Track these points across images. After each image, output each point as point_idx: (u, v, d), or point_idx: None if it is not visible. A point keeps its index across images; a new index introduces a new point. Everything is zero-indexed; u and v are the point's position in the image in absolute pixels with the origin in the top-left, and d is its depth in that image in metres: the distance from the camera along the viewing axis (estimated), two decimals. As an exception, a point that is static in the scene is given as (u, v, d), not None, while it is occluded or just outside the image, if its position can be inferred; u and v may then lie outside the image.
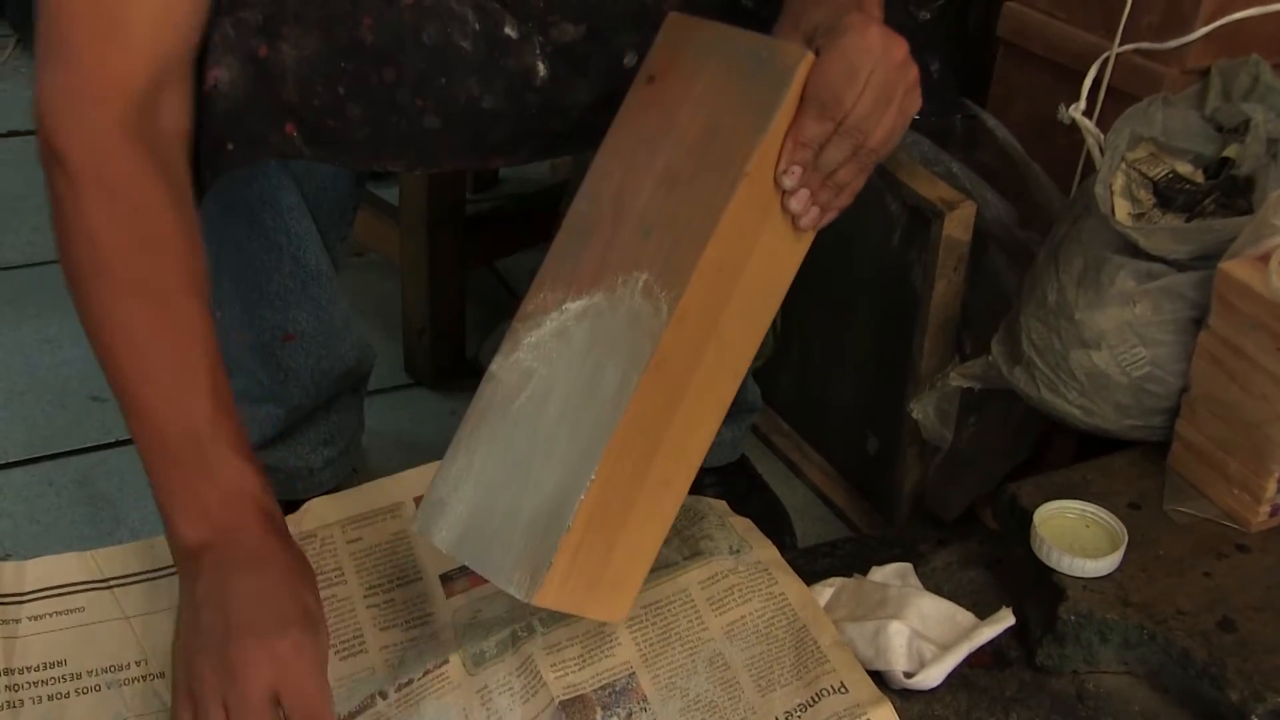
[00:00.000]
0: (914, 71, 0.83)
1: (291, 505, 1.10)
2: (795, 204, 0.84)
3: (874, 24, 0.82)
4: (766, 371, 1.50)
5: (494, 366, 0.85)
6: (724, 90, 0.82)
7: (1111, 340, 1.03)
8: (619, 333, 0.81)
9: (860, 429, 1.42)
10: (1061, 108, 1.18)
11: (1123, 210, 1.07)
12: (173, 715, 0.80)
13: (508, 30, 0.93)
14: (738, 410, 1.35)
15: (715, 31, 0.85)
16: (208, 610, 0.79)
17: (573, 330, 0.83)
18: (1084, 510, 0.99)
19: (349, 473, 1.31)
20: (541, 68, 0.95)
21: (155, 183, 0.84)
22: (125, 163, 0.83)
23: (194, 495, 0.82)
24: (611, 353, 0.80)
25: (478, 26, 0.92)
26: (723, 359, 0.86)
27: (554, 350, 0.83)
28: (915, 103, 0.85)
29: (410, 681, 0.89)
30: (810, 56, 0.81)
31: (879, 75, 0.81)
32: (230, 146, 0.88)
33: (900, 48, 0.82)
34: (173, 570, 0.94)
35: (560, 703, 0.87)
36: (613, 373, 0.80)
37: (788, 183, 0.83)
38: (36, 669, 0.89)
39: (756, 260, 0.84)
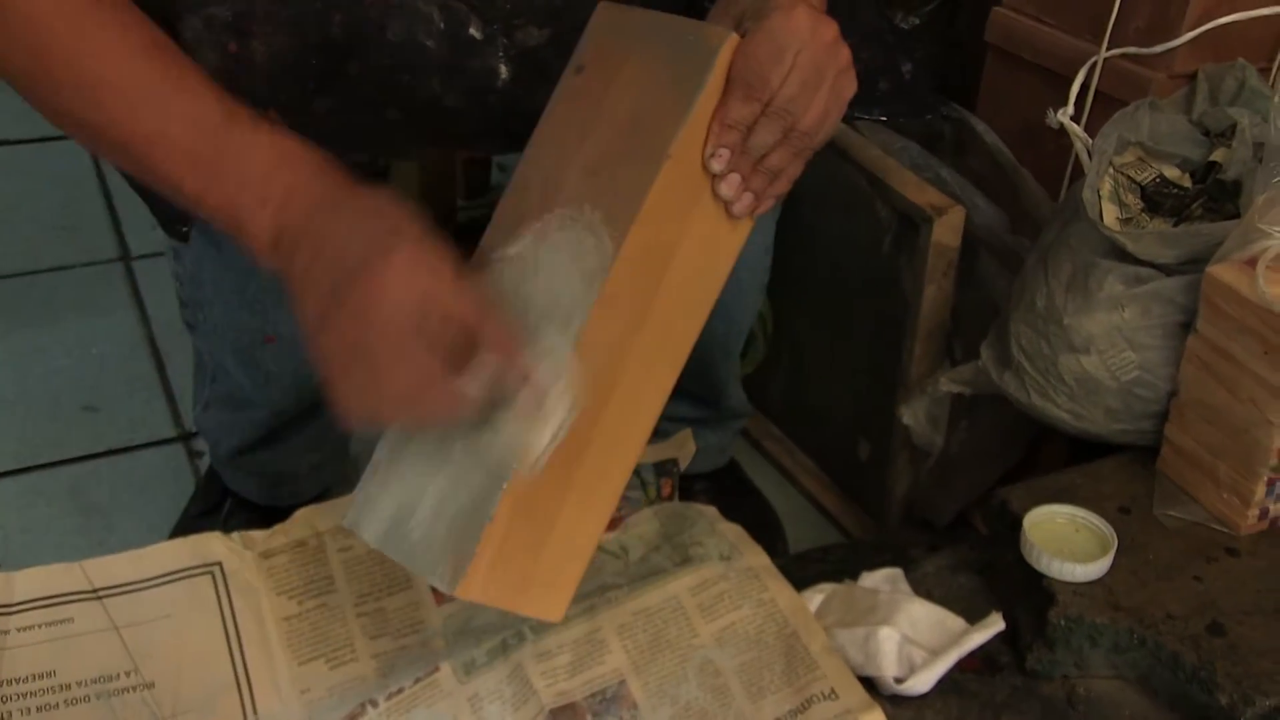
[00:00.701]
0: (845, 53, 0.82)
1: (279, 511, 1.10)
2: (726, 189, 0.82)
3: (801, 4, 0.80)
4: (757, 377, 1.50)
5: None
6: (649, 75, 0.81)
7: (1100, 345, 1.03)
8: (547, 320, 0.79)
9: (851, 434, 1.42)
10: (1050, 112, 1.18)
11: (1111, 215, 1.07)
12: (335, 403, 0.75)
13: (472, 31, 0.93)
14: (725, 416, 1.36)
15: (644, 18, 0.84)
16: (317, 277, 0.74)
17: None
18: (1074, 515, 0.99)
19: (336, 479, 1.31)
20: (504, 70, 0.95)
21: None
22: None
23: (241, 184, 0.77)
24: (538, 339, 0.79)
25: (442, 26, 0.92)
26: (658, 347, 0.84)
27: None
28: (850, 85, 0.83)
29: (401, 690, 0.88)
30: (734, 37, 0.80)
31: (807, 55, 0.79)
32: None
33: (829, 28, 0.81)
34: (162, 580, 0.95)
35: (551, 710, 0.87)
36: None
37: (715, 166, 0.81)
38: (25, 680, 0.88)
39: (688, 246, 0.82)
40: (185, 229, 0.94)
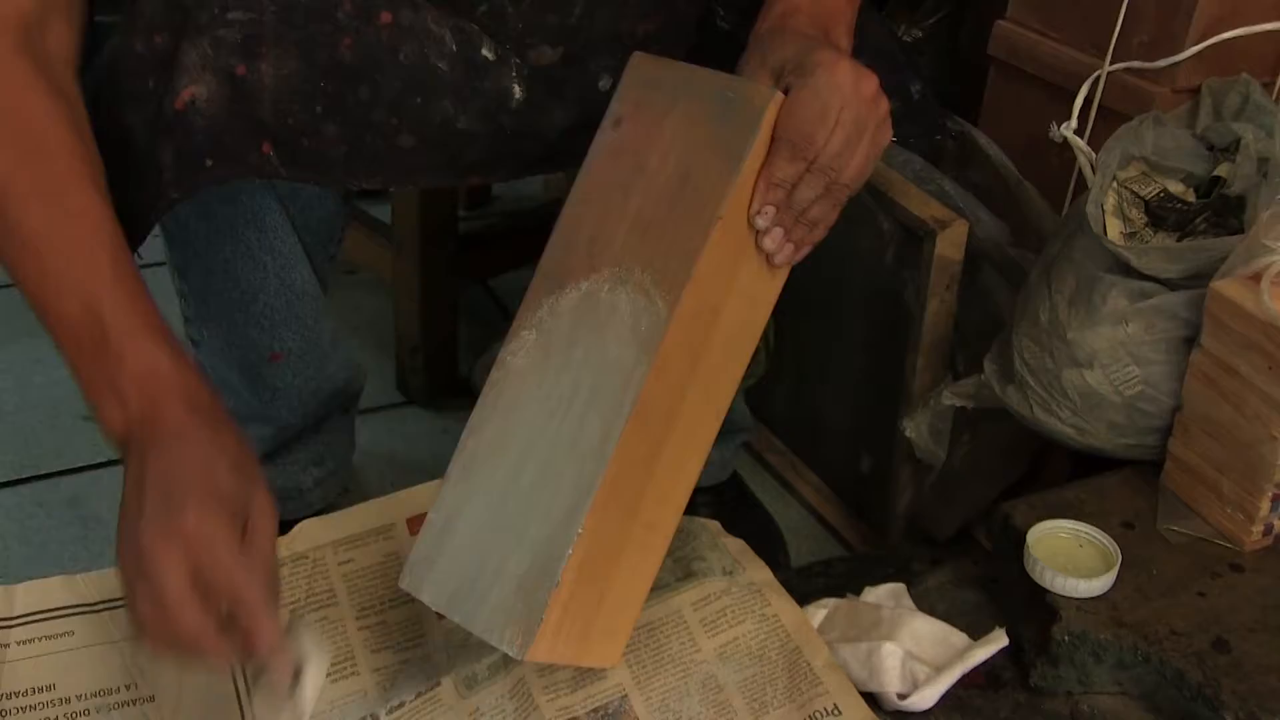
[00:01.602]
0: (885, 105, 0.83)
1: (282, 526, 1.10)
2: (769, 243, 0.84)
3: (844, 59, 0.82)
4: (760, 390, 1.49)
5: (475, 418, 0.84)
6: (693, 133, 0.82)
7: (1104, 359, 1.03)
8: (600, 383, 0.80)
9: (854, 447, 1.42)
10: (1053, 126, 1.18)
11: (1114, 229, 1.07)
12: (131, 621, 0.78)
13: (485, 52, 0.93)
14: (727, 430, 1.35)
15: (681, 72, 0.84)
16: (130, 498, 0.78)
17: (554, 380, 0.82)
18: (1077, 530, 0.99)
19: (340, 492, 1.31)
20: (518, 90, 0.95)
21: (42, 93, 0.83)
22: (5, 75, 0.82)
23: (107, 383, 0.80)
24: (593, 403, 0.80)
25: (455, 48, 0.92)
26: (704, 402, 0.85)
27: (536, 402, 0.82)
28: (886, 136, 0.84)
29: (402, 704, 0.88)
30: (779, 96, 0.81)
31: (850, 112, 0.81)
32: (209, 163, 0.88)
33: (871, 83, 0.82)
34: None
35: (552, 726, 0.87)
36: (594, 424, 0.79)
37: (761, 223, 0.82)
38: (25, 694, 0.88)
39: (733, 301, 0.84)
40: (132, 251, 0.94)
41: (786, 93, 0.81)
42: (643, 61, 0.86)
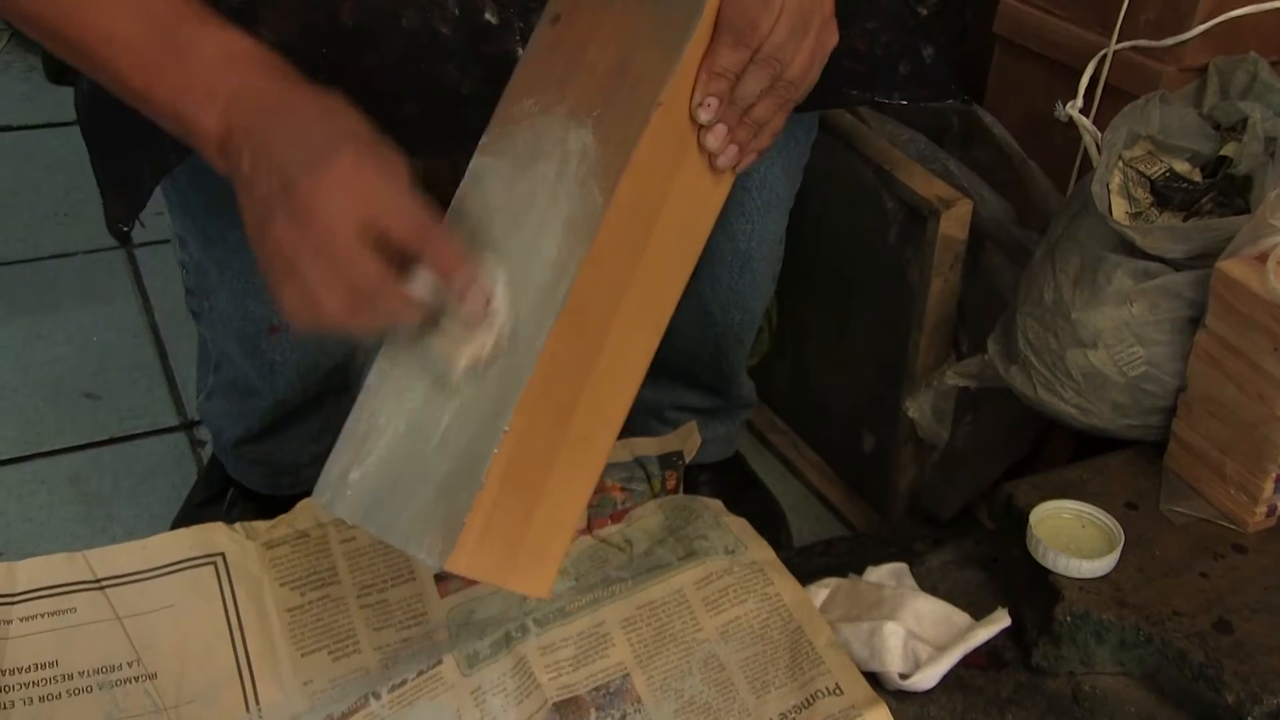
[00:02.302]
0: (829, 2, 0.81)
1: (280, 501, 1.10)
2: (712, 140, 0.80)
3: None
4: (762, 369, 1.49)
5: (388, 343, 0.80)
6: (633, 23, 0.78)
7: (1108, 339, 1.03)
8: (533, 276, 0.77)
9: (856, 427, 1.42)
10: (1059, 105, 1.18)
11: (1120, 209, 1.06)
12: (279, 305, 0.73)
13: (488, 16, 0.92)
14: (732, 406, 1.35)
15: None
16: (261, 180, 0.72)
17: (484, 273, 0.78)
18: (1080, 510, 0.99)
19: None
20: (521, 53, 0.94)
21: None
22: None
23: (188, 82, 0.75)
24: (524, 297, 0.76)
25: (457, 12, 0.91)
26: (642, 307, 0.82)
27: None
28: (832, 35, 0.82)
29: (404, 682, 0.88)
30: None
31: (794, 1, 0.78)
32: None
33: None
34: (165, 570, 0.95)
35: (554, 704, 0.87)
36: (525, 318, 0.75)
37: (704, 116, 0.79)
38: (27, 670, 0.88)
39: (674, 202, 0.80)
40: (126, 229, 0.93)
41: None
42: None
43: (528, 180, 0.79)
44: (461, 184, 0.82)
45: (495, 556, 0.76)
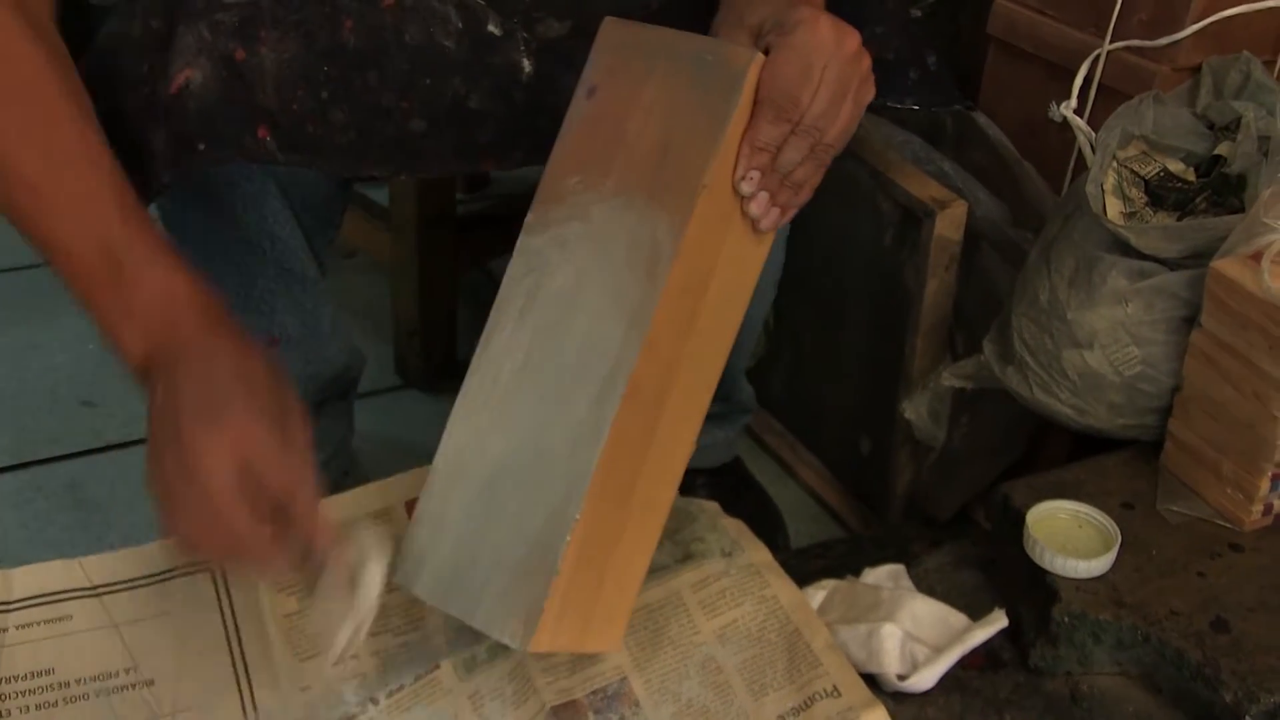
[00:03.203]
0: (867, 61, 0.82)
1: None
2: (755, 208, 0.82)
3: (824, 15, 0.80)
4: (758, 371, 1.49)
5: (460, 404, 0.82)
6: (672, 99, 0.79)
7: (1104, 340, 1.03)
8: (591, 363, 0.79)
9: (853, 429, 1.42)
10: (1052, 106, 1.18)
11: (1114, 209, 1.07)
12: (162, 528, 0.78)
13: (491, 28, 0.92)
14: (732, 411, 1.35)
15: (655, 35, 0.81)
16: (163, 414, 0.77)
17: (542, 363, 0.81)
18: (1077, 510, 0.99)
19: (340, 476, 1.31)
20: (527, 64, 0.94)
21: (24, 37, 0.82)
22: None
23: (124, 311, 0.80)
24: (584, 385, 0.78)
25: (461, 25, 0.91)
26: (695, 375, 0.84)
27: (522, 387, 0.81)
28: (869, 93, 0.83)
29: (401, 687, 0.88)
30: (760, 57, 0.78)
31: (833, 70, 0.79)
32: (201, 146, 0.87)
33: (853, 39, 0.80)
34: (162, 576, 0.95)
35: (552, 708, 0.87)
36: (586, 406, 0.77)
37: (746, 189, 0.80)
38: (24, 678, 0.88)
39: (721, 270, 0.82)
40: None
41: (766, 53, 0.79)
42: (615, 26, 0.83)
43: (577, 265, 0.80)
44: (511, 264, 0.83)
45: (572, 630, 0.80)
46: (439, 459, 0.82)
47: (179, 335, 0.79)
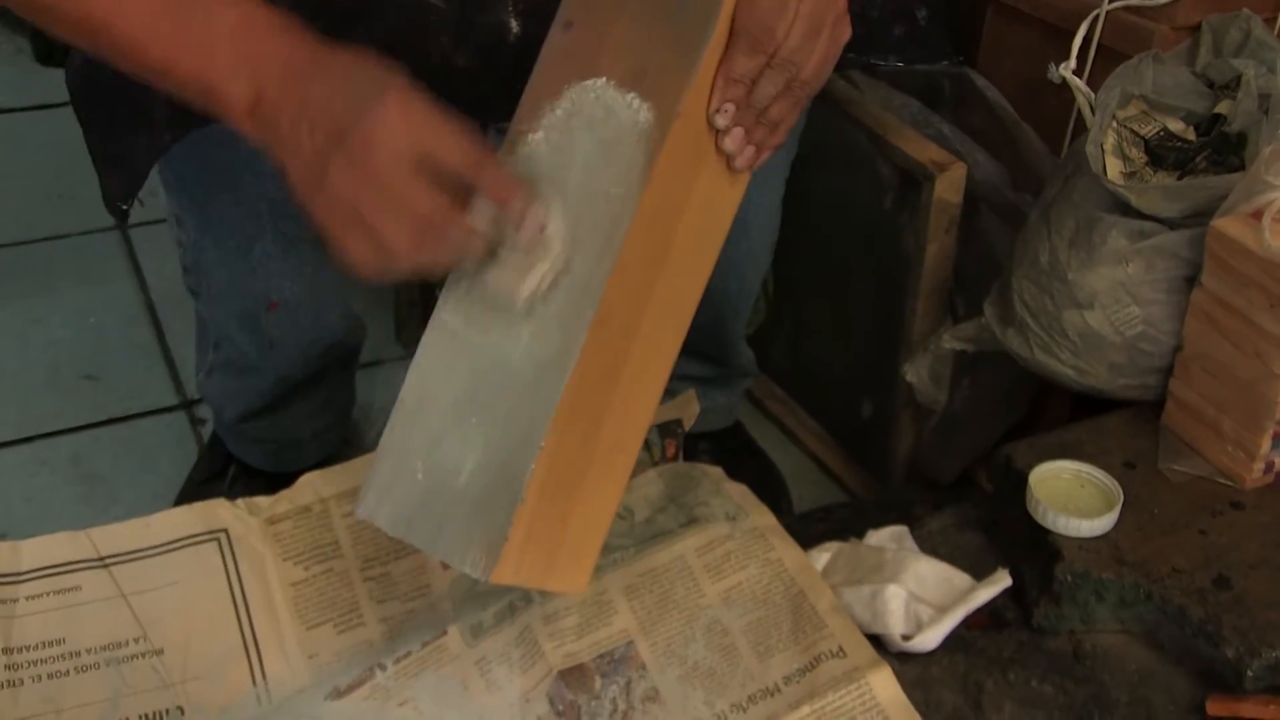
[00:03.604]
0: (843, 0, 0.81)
1: (281, 477, 1.10)
2: (730, 144, 0.81)
3: None
4: (759, 337, 1.50)
5: (428, 335, 0.81)
6: (647, 31, 0.78)
7: (1104, 300, 1.03)
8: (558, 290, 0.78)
9: (854, 393, 1.42)
10: (1051, 67, 1.17)
11: (1114, 169, 1.06)
12: (339, 255, 0.74)
13: None
14: (731, 375, 1.36)
15: None
16: (306, 137, 0.73)
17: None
18: (1079, 470, 0.99)
19: (339, 445, 1.31)
20: (514, 24, 0.93)
21: None
22: None
23: (212, 57, 0.75)
24: (550, 311, 0.77)
25: None
26: (666, 312, 0.83)
27: (489, 315, 0.79)
28: (845, 31, 0.82)
29: (409, 653, 0.89)
30: None
31: (809, 3, 0.78)
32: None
33: None
34: (168, 547, 0.95)
35: (559, 672, 0.87)
36: (553, 332, 0.76)
37: (721, 122, 0.79)
38: (35, 648, 0.89)
39: (693, 206, 0.81)
40: (125, 207, 0.93)
41: None
42: None
43: (550, 193, 0.79)
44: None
45: (536, 564, 0.78)
46: (404, 391, 0.80)
47: (281, 58, 0.75)
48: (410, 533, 0.78)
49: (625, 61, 0.79)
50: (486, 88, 0.94)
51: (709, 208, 0.83)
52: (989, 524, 1.04)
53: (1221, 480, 1.01)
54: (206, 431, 1.47)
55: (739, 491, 1.01)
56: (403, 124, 0.72)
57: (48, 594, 0.91)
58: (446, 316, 0.80)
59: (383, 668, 0.88)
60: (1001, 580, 0.94)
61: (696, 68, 0.77)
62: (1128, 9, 1.16)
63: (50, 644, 0.89)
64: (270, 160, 0.76)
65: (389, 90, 0.73)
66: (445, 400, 0.79)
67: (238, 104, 0.76)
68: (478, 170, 0.74)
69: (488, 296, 0.78)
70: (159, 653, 0.90)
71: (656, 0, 0.79)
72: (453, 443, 0.78)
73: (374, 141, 0.71)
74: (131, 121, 0.88)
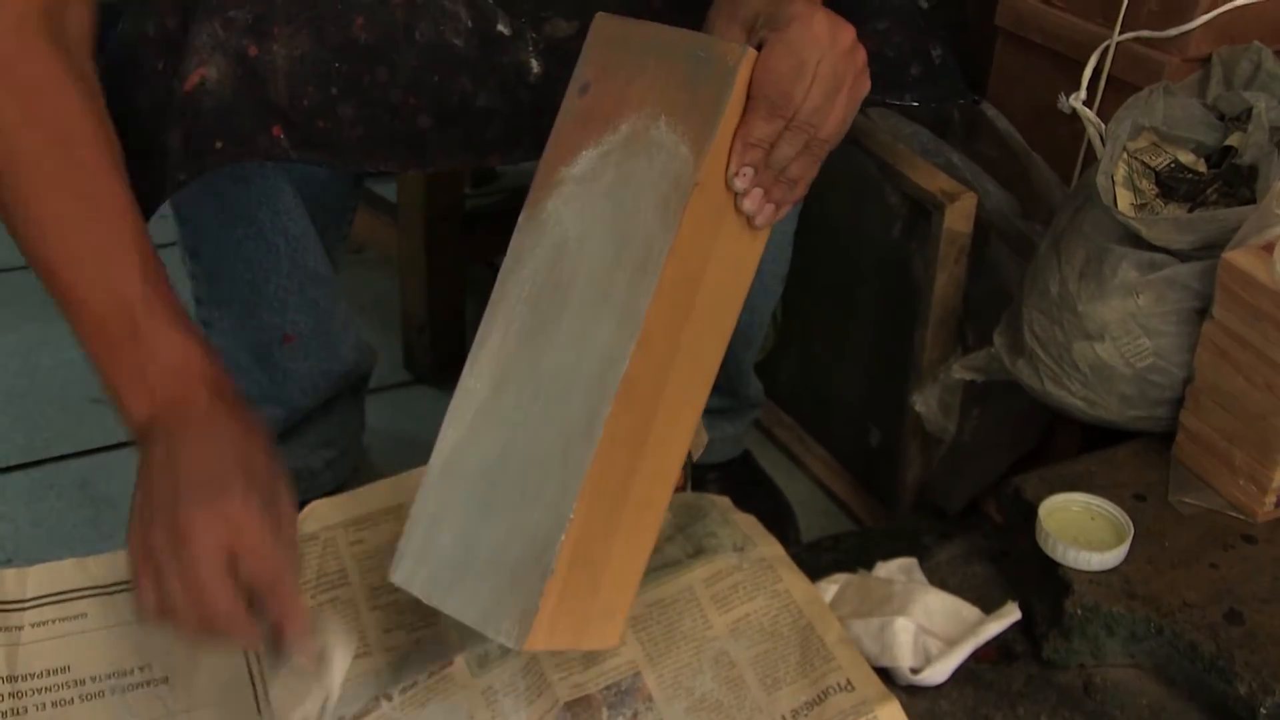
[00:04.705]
0: (862, 55, 0.81)
1: (293, 507, 1.10)
2: (749, 204, 0.81)
3: (818, 10, 0.79)
4: (768, 364, 1.49)
5: (455, 403, 0.82)
6: (664, 96, 0.78)
7: (1115, 331, 1.03)
8: (584, 362, 0.78)
9: (863, 421, 1.42)
10: (1062, 97, 1.17)
11: (1125, 200, 1.06)
12: (134, 589, 0.79)
13: (500, 27, 0.92)
14: (740, 406, 1.35)
15: (648, 31, 0.80)
16: (159, 480, 0.79)
17: (535, 361, 0.80)
18: (1089, 503, 0.99)
19: (350, 472, 1.31)
20: (535, 64, 0.94)
21: (64, 79, 0.83)
22: (33, 62, 0.82)
23: (136, 373, 0.81)
24: (577, 383, 0.78)
25: (470, 24, 0.91)
26: (691, 372, 0.83)
27: (516, 385, 0.80)
28: (865, 87, 0.82)
29: (415, 683, 0.88)
30: (752, 53, 0.77)
31: (827, 65, 0.78)
32: (219, 144, 0.88)
33: (847, 33, 0.79)
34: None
35: (565, 703, 0.87)
36: (579, 404, 0.77)
37: (740, 185, 0.80)
38: (40, 675, 0.89)
39: (715, 267, 0.81)
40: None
41: (759, 48, 0.78)
42: (606, 22, 0.82)
43: (569, 261, 0.80)
44: (505, 261, 0.82)
45: (568, 629, 0.79)
46: (435, 457, 0.81)
47: (187, 407, 0.81)
48: (444, 601, 0.79)
49: (641, 128, 0.79)
50: (507, 126, 0.95)
51: (730, 266, 0.84)
52: (998, 555, 1.04)
53: (1233, 513, 1.00)
54: (214, 456, 1.47)
55: (747, 522, 1.01)
56: (226, 521, 0.77)
57: (53, 621, 0.91)
58: (473, 383, 0.81)
59: (389, 697, 0.87)
60: (1011, 613, 0.94)
61: (714, 135, 0.77)
62: (1138, 40, 1.17)
63: (55, 671, 0.89)
64: (137, 471, 0.81)
65: (235, 483, 0.78)
66: (474, 468, 0.80)
67: (133, 421, 0.82)
68: (271, 589, 0.78)
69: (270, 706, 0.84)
70: (164, 681, 0.90)
71: (673, 65, 0.79)
72: (483, 512, 0.79)
73: (195, 527, 0.76)
74: (144, 157, 0.89)
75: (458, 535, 0.79)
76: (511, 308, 0.81)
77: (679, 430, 0.85)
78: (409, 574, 0.80)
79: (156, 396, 0.81)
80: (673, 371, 0.81)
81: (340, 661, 0.84)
